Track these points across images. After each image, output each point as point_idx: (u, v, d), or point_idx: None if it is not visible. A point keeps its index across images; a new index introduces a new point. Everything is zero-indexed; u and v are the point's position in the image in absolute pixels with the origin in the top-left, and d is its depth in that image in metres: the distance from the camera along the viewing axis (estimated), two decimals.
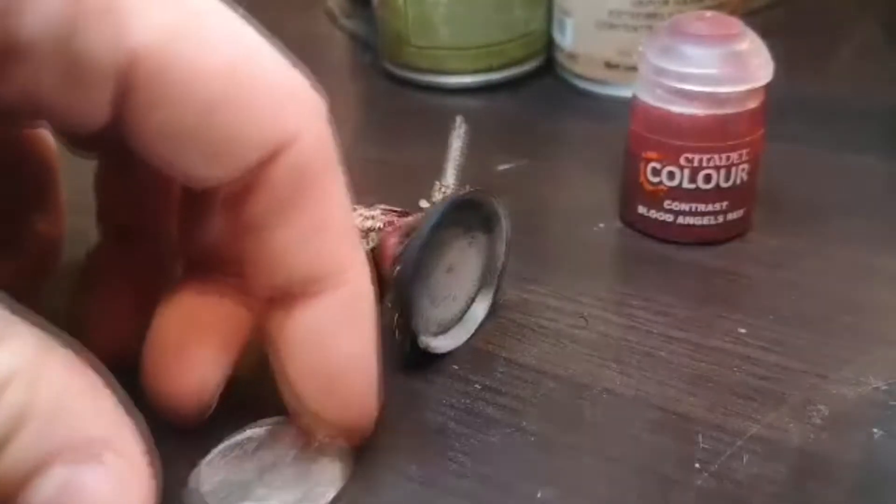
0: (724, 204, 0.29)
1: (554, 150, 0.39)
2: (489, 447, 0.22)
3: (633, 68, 0.30)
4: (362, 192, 0.28)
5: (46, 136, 0.25)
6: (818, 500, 0.20)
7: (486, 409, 0.23)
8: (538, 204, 0.33)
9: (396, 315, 0.24)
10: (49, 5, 0.16)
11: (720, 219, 0.30)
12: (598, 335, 0.26)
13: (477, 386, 0.24)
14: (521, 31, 0.43)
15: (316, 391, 0.20)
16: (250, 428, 0.22)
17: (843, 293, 0.27)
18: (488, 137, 0.37)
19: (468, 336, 0.26)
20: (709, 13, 0.30)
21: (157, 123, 0.17)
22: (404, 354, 0.24)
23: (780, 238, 0.30)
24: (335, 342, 0.20)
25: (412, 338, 0.24)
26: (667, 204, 0.30)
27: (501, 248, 0.26)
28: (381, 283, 0.26)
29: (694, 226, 0.30)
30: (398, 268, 0.23)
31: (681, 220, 0.30)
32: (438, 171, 0.27)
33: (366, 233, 0.26)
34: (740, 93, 0.28)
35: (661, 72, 0.28)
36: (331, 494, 0.20)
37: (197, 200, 0.22)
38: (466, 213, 0.25)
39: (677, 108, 0.28)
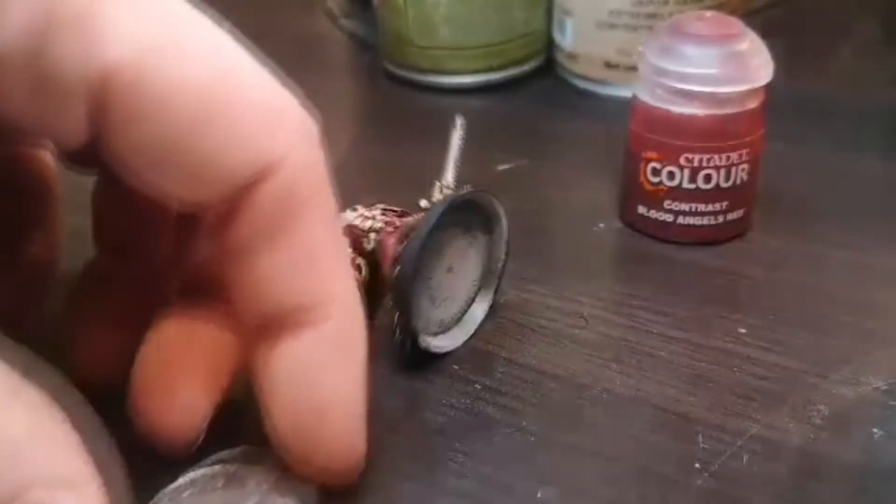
0: (724, 204, 0.29)
1: (554, 150, 0.39)
2: (489, 447, 0.22)
3: (633, 68, 0.30)
4: (361, 192, 0.28)
5: (45, 156, 0.24)
6: (818, 500, 0.20)
7: (486, 409, 0.23)
8: (538, 204, 0.33)
9: (397, 315, 0.24)
10: (17, 17, 0.15)
11: (720, 219, 0.30)
12: (598, 335, 0.26)
13: (477, 386, 0.24)
14: (521, 31, 0.43)
15: (299, 428, 0.19)
16: (222, 461, 0.20)
17: (842, 293, 0.27)
18: (488, 137, 0.37)
19: (468, 336, 0.26)
20: (709, 13, 0.30)
21: (133, 143, 0.17)
22: (404, 354, 0.24)
23: (780, 238, 0.30)
24: (320, 377, 0.19)
25: (412, 337, 0.24)
26: (667, 204, 0.30)
27: (501, 249, 0.26)
28: (382, 284, 0.26)
29: (694, 226, 0.30)
30: (398, 268, 0.23)
31: (681, 220, 0.30)
32: (438, 171, 0.27)
33: (366, 233, 0.26)
34: (740, 93, 0.28)
35: (661, 72, 0.28)
36: None
37: (189, 221, 0.21)
38: (466, 214, 0.25)
39: (677, 108, 0.28)
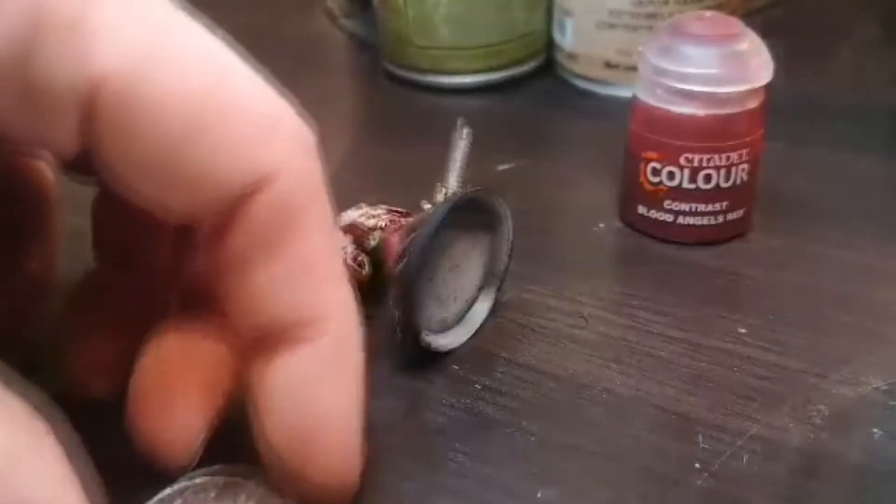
0: (724, 204, 0.29)
1: (554, 150, 0.39)
2: (489, 447, 0.22)
3: (633, 68, 0.30)
4: (361, 192, 0.29)
5: (44, 168, 0.24)
6: (818, 500, 0.20)
7: (486, 409, 0.23)
8: (538, 204, 0.33)
9: (399, 311, 0.24)
10: (3, 23, 0.14)
11: (720, 219, 0.30)
12: (598, 335, 0.26)
13: (477, 386, 0.24)
14: (520, 31, 0.43)
15: (293, 444, 0.18)
16: (212, 473, 0.20)
17: (843, 293, 0.27)
18: (488, 137, 0.37)
19: (469, 335, 0.26)
20: (709, 13, 0.30)
21: (124, 153, 0.16)
22: (405, 351, 0.24)
23: (780, 238, 0.30)
24: (316, 393, 0.18)
25: (414, 334, 0.24)
26: (667, 204, 0.30)
27: (504, 249, 0.26)
28: (384, 281, 0.26)
29: (694, 226, 0.30)
30: (403, 262, 0.23)
31: (681, 220, 0.30)
32: (438, 171, 0.27)
33: (370, 230, 0.26)
34: (740, 93, 0.28)
35: (661, 72, 0.28)
36: None
37: (188, 232, 0.20)
38: (471, 213, 0.25)
39: (677, 108, 0.28)
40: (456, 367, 0.25)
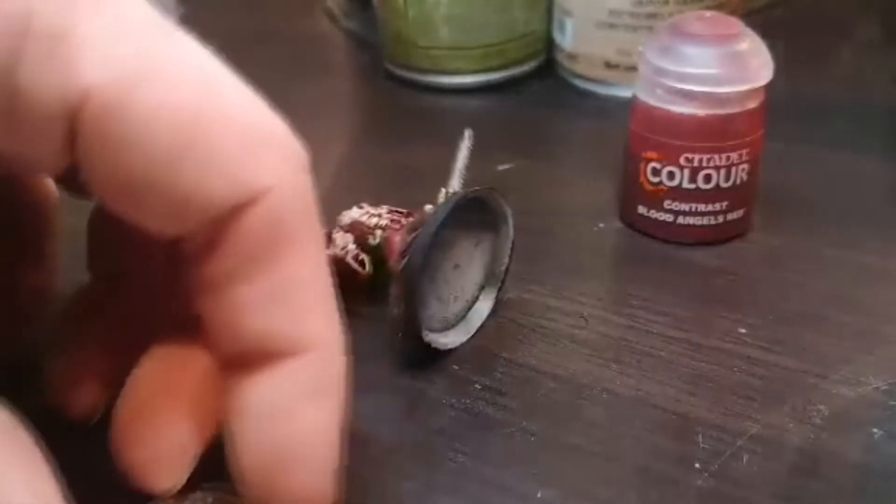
0: (724, 204, 0.29)
1: (554, 150, 0.39)
2: (489, 447, 0.22)
3: (633, 68, 0.30)
4: (361, 192, 0.29)
5: (48, 184, 0.23)
6: (818, 500, 0.20)
7: (486, 409, 0.23)
8: (538, 204, 0.33)
9: (400, 309, 0.24)
10: None
11: (720, 219, 0.30)
12: (598, 335, 0.26)
13: (477, 386, 0.24)
14: (521, 31, 0.43)
15: (263, 470, 0.17)
16: (201, 489, 0.20)
17: (843, 293, 0.27)
18: (488, 137, 0.37)
19: (470, 335, 0.26)
20: (709, 13, 0.30)
21: (111, 170, 0.16)
22: (406, 351, 0.24)
23: (780, 238, 0.30)
24: (291, 418, 0.17)
25: (415, 333, 0.24)
26: (667, 204, 0.30)
27: (506, 249, 0.26)
28: (385, 280, 0.26)
29: (694, 226, 0.30)
30: (406, 259, 0.23)
31: (681, 220, 0.30)
32: (439, 171, 0.27)
33: (371, 229, 0.26)
34: (740, 93, 0.28)
35: (661, 72, 0.28)
36: None
37: (180, 249, 0.20)
38: (473, 213, 0.25)
39: (677, 108, 0.28)
40: (456, 367, 0.25)
